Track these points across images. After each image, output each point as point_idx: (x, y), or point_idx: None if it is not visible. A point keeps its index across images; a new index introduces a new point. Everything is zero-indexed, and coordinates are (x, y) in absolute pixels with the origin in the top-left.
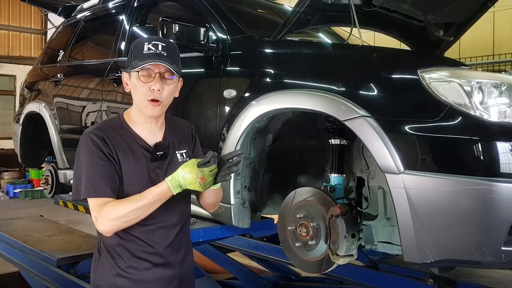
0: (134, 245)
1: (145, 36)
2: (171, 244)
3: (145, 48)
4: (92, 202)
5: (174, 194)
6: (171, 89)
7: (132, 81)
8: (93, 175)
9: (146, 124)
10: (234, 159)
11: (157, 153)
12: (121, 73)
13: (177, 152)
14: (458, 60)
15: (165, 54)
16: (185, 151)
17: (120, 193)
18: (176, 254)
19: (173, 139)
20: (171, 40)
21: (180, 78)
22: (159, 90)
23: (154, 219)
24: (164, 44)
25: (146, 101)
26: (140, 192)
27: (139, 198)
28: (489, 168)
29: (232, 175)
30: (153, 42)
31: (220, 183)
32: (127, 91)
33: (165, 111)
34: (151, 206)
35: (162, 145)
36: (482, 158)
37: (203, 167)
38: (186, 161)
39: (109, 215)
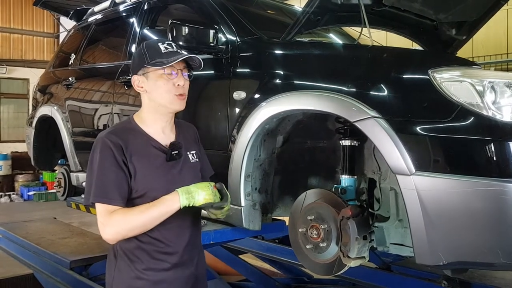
0: (152, 247)
1: (156, 38)
2: (188, 243)
3: (162, 48)
4: (100, 208)
5: (181, 206)
6: (188, 85)
7: (151, 81)
8: (104, 181)
9: (160, 124)
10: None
11: (173, 152)
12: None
13: (188, 152)
14: (471, 59)
15: (182, 52)
16: (194, 151)
17: (138, 195)
18: (193, 253)
19: (183, 140)
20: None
21: None
22: (183, 85)
23: (171, 220)
24: (175, 44)
25: (174, 97)
26: (157, 193)
27: (148, 209)
28: (502, 169)
29: (242, 177)
30: (167, 42)
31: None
32: (141, 92)
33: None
34: (158, 218)
35: (177, 144)
36: (495, 158)
37: (216, 210)
38: (197, 161)
39: (118, 224)
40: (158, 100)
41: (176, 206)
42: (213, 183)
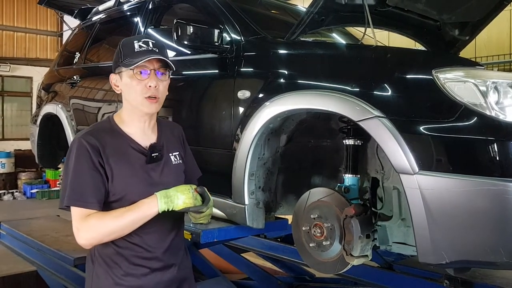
0: (131, 252)
1: (160, 37)
2: (168, 248)
3: (136, 46)
4: (75, 211)
5: (160, 211)
6: (165, 85)
7: (124, 80)
8: (79, 184)
9: (139, 125)
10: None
11: (153, 155)
12: None
13: (170, 154)
14: (474, 59)
15: (157, 51)
16: (177, 153)
17: (116, 198)
18: (174, 257)
19: (166, 141)
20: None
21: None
22: (155, 87)
23: (150, 223)
24: (154, 41)
25: (144, 99)
26: (136, 197)
27: (125, 213)
28: (505, 168)
29: (246, 175)
30: (143, 40)
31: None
32: (117, 92)
33: (172, 111)
34: (135, 223)
35: (157, 146)
36: (497, 158)
37: (197, 214)
38: (180, 163)
39: (94, 229)
40: (130, 101)
41: (154, 211)
42: (194, 186)
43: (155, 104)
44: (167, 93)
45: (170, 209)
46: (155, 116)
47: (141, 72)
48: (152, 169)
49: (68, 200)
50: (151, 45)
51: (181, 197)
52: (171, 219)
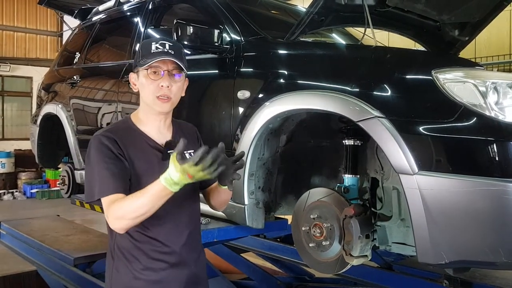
0: (149, 246)
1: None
2: (185, 243)
3: (153, 47)
4: (105, 201)
5: (173, 191)
6: (178, 86)
7: (140, 80)
8: (106, 176)
9: (155, 123)
10: (238, 162)
11: (168, 152)
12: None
13: (186, 152)
14: (474, 59)
15: (173, 53)
16: (192, 151)
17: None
18: (191, 253)
19: (180, 139)
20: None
21: (186, 78)
22: (168, 87)
23: (166, 218)
24: (171, 44)
25: (155, 98)
26: None
27: (139, 195)
28: (504, 169)
29: (246, 175)
30: (160, 42)
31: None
32: (135, 91)
33: (173, 110)
34: (153, 203)
35: (172, 143)
36: (497, 159)
37: (183, 163)
38: None
39: (115, 213)
40: (144, 99)
41: (166, 190)
42: (186, 173)
43: (167, 104)
44: (183, 95)
45: (173, 179)
46: (170, 116)
47: (154, 72)
48: (167, 166)
49: (99, 194)
50: (167, 47)
51: (172, 166)
52: (186, 213)
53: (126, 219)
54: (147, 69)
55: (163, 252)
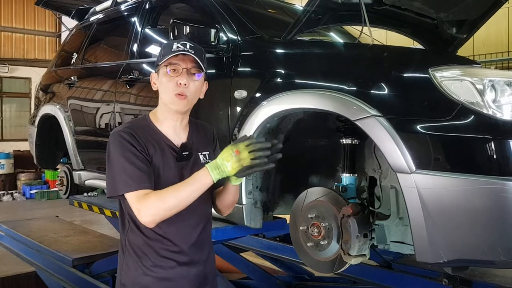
0: (159, 244)
1: (157, 37)
2: (195, 243)
3: (174, 46)
4: (131, 195)
5: (214, 180)
6: (197, 86)
7: (160, 78)
8: (131, 169)
9: (172, 123)
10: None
11: (183, 153)
12: (133, 75)
13: (199, 153)
14: (471, 57)
15: (193, 52)
16: (207, 153)
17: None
18: (200, 252)
19: (196, 140)
20: None
21: (205, 81)
22: (185, 85)
23: (177, 217)
24: (192, 45)
25: (173, 96)
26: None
27: (181, 186)
28: (503, 167)
29: None
30: (182, 42)
31: (241, 178)
32: (154, 89)
33: (190, 109)
34: (191, 194)
35: (188, 145)
36: (495, 157)
37: (237, 142)
38: (209, 162)
39: (155, 205)
40: (162, 98)
41: (208, 181)
42: (235, 149)
43: (183, 101)
44: (201, 97)
45: (224, 177)
46: (187, 116)
47: (174, 70)
48: (182, 167)
49: (125, 187)
50: (188, 47)
51: (228, 164)
52: (197, 214)
53: (163, 210)
54: (166, 66)
55: (172, 251)
